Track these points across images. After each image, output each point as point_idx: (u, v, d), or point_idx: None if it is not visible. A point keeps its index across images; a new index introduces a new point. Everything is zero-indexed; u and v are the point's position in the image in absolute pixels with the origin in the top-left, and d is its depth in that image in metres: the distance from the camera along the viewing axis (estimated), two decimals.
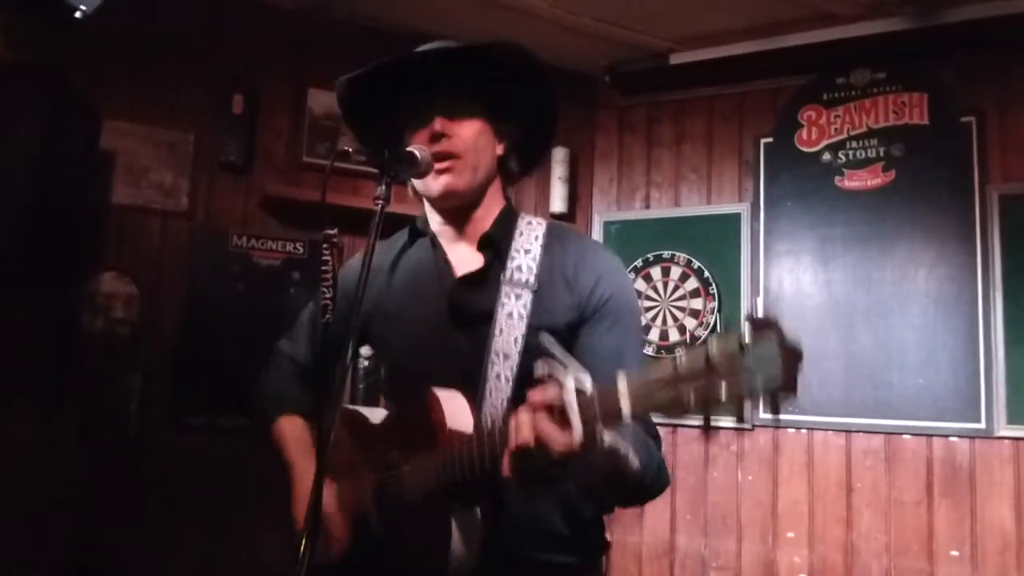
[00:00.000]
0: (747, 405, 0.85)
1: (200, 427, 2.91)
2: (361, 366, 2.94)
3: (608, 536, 1.47)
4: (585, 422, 0.99)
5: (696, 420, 0.90)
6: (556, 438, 1.01)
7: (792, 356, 0.83)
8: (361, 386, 2.95)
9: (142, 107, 2.98)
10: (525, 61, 1.45)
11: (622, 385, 0.96)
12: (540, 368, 1.06)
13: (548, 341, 1.10)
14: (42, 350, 2.74)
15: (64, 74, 2.64)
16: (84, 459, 2.75)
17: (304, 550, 1.00)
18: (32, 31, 2.69)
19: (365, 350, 2.66)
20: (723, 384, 0.86)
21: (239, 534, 2.86)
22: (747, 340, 0.85)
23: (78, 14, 2.31)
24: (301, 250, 3.14)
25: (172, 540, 2.82)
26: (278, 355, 1.72)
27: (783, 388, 0.83)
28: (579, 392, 1.00)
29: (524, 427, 1.05)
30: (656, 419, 1.31)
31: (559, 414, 1.02)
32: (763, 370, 0.84)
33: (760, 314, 0.82)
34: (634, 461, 1.19)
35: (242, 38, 3.17)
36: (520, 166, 1.55)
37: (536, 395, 1.05)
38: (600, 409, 0.98)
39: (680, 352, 0.92)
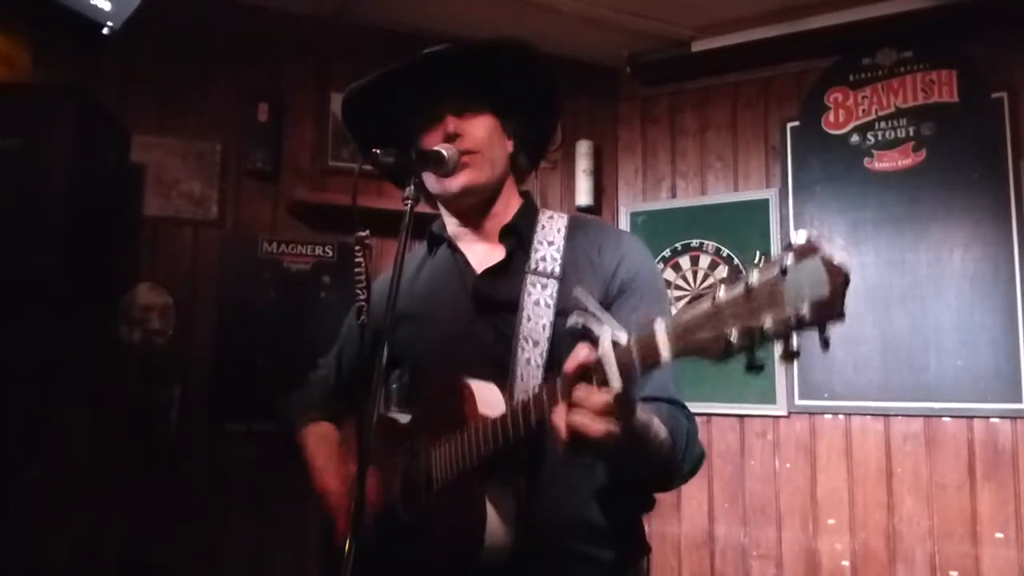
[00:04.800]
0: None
1: (238, 433, 2.95)
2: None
3: (648, 532, 1.45)
4: (623, 371, 0.95)
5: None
6: (592, 426, 0.99)
7: (838, 274, 0.75)
8: (395, 386, 2.96)
9: (169, 120, 3.03)
10: (528, 56, 1.47)
11: (659, 329, 0.90)
12: (574, 319, 1.04)
13: (582, 294, 1.08)
14: (83, 364, 2.79)
15: (93, 91, 2.68)
16: (126, 469, 2.80)
17: (350, 549, 1.02)
18: (60, 49, 2.73)
19: None
20: (767, 314, 0.78)
21: (280, 539, 2.89)
22: (788, 263, 0.77)
23: (105, 31, 2.34)
24: (330, 253, 3.17)
25: (214, 545, 2.86)
26: (312, 374, 1.79)
27: (831, 310, 0.75)
28: (615, 344, 0.97)
29: (559, 428, 1.03)
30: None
31: (597, 372, 0.99)
32: (808, 292, 0.75)
33: (799, 240, 0.75)
34: (660, 430, 1.17)
35: (265, 47, 3.20)
36: (528, 161, 1.58)
37: (570, 362, 1.03)
38: (639, 357, 0.93)
39: (719, 285, 0.84)
